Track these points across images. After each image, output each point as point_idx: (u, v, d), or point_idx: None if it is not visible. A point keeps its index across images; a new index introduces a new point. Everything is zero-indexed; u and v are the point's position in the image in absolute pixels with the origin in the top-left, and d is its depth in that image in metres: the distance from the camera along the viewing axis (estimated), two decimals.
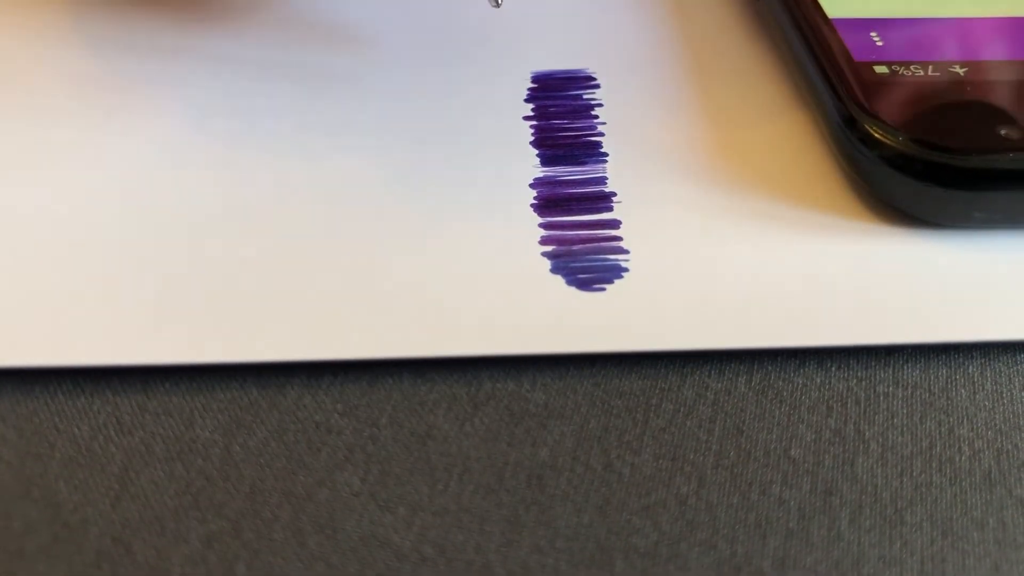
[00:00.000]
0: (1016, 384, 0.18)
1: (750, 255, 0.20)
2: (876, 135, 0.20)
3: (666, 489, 0.17)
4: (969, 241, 0.20)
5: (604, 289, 0.19)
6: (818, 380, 0.18)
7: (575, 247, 0.20)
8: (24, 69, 0.24)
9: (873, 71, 0.21)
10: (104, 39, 0.25)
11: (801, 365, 0.18)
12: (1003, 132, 0.20)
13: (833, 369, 0.18)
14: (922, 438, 0.17)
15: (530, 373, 0.18)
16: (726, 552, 0.16)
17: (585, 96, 0.24)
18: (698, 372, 0.18)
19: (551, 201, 0.21)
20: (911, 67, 0.21)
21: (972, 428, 0.18)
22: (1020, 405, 0.18)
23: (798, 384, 0.18)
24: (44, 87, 0.24)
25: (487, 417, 0.17)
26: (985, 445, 0.17)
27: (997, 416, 0.18)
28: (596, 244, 0.20)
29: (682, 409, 0.18)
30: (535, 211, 0.21)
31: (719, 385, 0.18)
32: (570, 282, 0.19)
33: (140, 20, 0.26)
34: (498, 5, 0.23)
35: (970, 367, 0.19)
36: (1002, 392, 0.18)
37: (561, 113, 0.23)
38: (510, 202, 0.21)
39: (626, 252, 0.20)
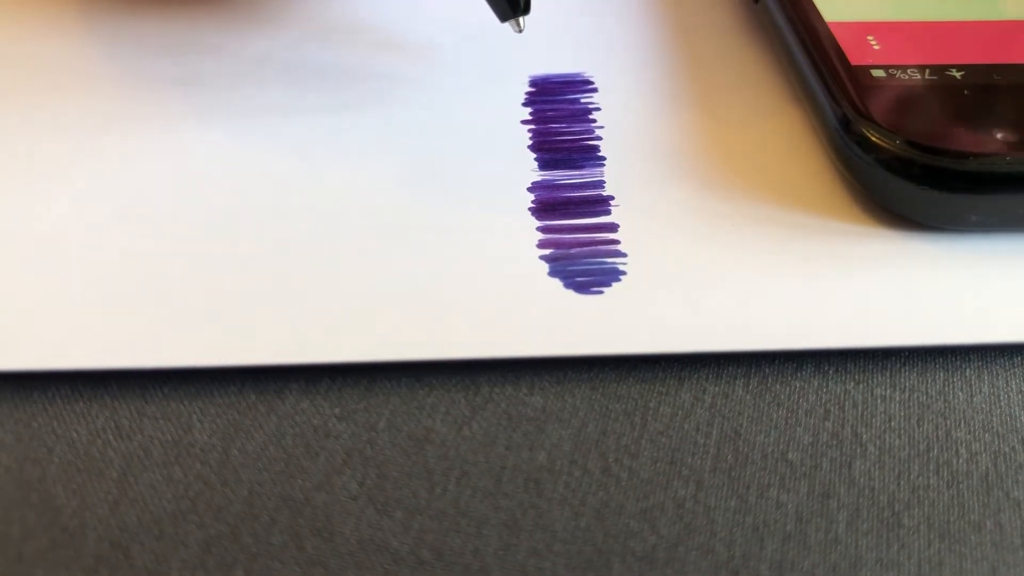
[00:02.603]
0: (1013, 387, 0.18)
1: (747, 258, 0.20)
2: (873, 138, 0.20)
3: (664, 492, 0.17)
4: (966, 244, 0.20)
5: (602, 292, 0.19)
6: (815, 383, 0.18)
7: (573, 250, 0.20)
8: (31, 71, 0.24)
9: (870, 75, 0.21)
10: (113, 39, 0.25)
11: (798, 368, 0.18)
12: (999, 136, 0.20)
13: (830, 372, 0.18)
14: (919, 441, 0.17)
15: (528, 377, 0.18)
16: (724, 555, 0.16)
17: (583, 100, 0.24)
18: (696, 376, 0.18)
19: (549, 205, 0.21)
20: (908, 71, 0.21)
21: (969, 431, 0.18)
22: (1017, 408, 0.18)
23: (795, 387, 0.18)
24: (46, 89, 0.24)
25: (485, 421, 0.18)
26: (982, 448, 0.17)
27: (994, 419, 0.18)
28: (594, 247, 0.20)
29: (680, 412, 0.18)
30: (533, 215, 0.21)
31: (716, 388, 0.18)
32: (568, 285, 0.19)
33: (150, 20, 0.26)
34: (520, 30, 0.23)
35: (967, 370, 0.19)
36: (999, 395, 0.18)
37: (559, 117, 0.23)
38: (508, 206, 0.21)
39: (623, 255, 0.20)
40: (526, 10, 0.23)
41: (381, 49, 0.25)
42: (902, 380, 0.18)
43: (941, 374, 0.18)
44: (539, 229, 0.20)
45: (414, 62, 0.25)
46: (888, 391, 0.18)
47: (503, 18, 0.23)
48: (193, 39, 0.25)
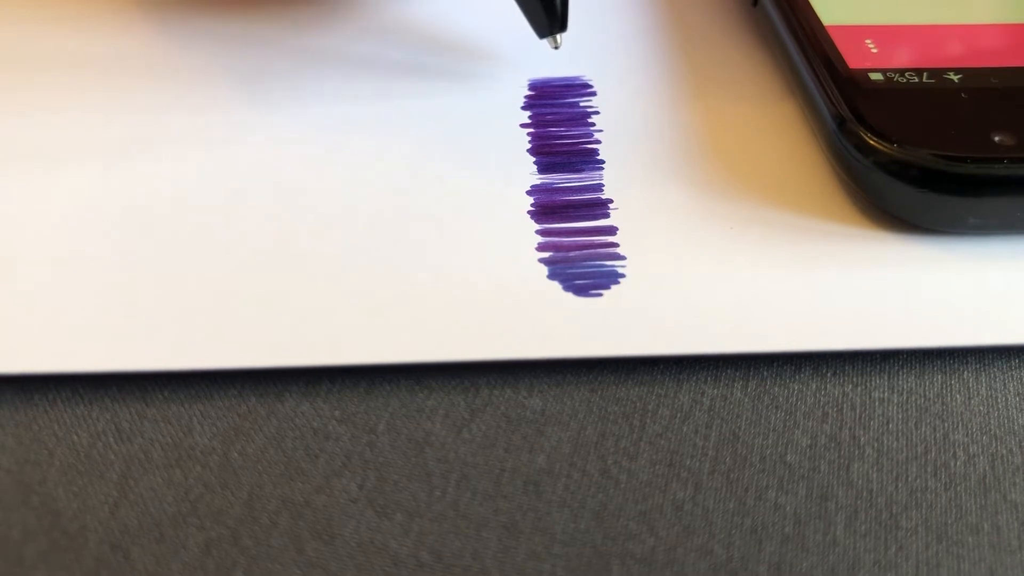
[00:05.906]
0: (1011, 389, 0.18)
1: (746, 261, 0.20)
2: (871, 141, 0.20)
3: (662, 495, 0.17)
4: (964, 247, 0.20)
5: (600, 295, 0.19)
6: (814, 386, 0.18)
7: (572, 253, 0.20)
8: (29, 67, 0.24)
9: (868, 78, 0.21)
10: (172, 32, 0.25)
11: (797, 371, 0.19)
12: (997, 138, 0.20)
13: (828, 375, 0.18)
14: (917, 443, 0.17)
15: (527, 379, 0.18)
16: (722, 557, 0.16)
17: (582, 103, 0.24)
18: (694, 378, 0.18)
19: (548, 208, 0.21)
20: (906, 74, 0.22)
21: (967, 433, 0.18)
22: (1015, 410, 0.18)
23: (794, 390, 0.18)
24: (45, 91, 0.24)
25: (484, 423, 0.18)
26: (980, 450, 0.17)
27: (992, 421, 0.18)
28: (593, 250, 0.20)
29: (678, 415, 0.18)
30: (532, 218, 0.21)
31: (715, 391, 0.18)
32: (567, 288, 0.19)
33: (203, 15, 0.26)
34: (557, 47, 0.23)
35: (965, 372, 0.19)
36: (997, 397, 0.18)
37: (558, 120, 0.23)
38: (507, 209, 0.21)
39: (622, 258, 0.20)
40: (563, 27, 0.23)
41: (379, 56, 0.25)
42: (900, 383, 0.18)
43: (939, 376, 0.19)
44: (538, 232, 0.20)
45: (412, 68, 0.25)
46: (886, 394, 0.18)
47: (541, 35, 0.23)
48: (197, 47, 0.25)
